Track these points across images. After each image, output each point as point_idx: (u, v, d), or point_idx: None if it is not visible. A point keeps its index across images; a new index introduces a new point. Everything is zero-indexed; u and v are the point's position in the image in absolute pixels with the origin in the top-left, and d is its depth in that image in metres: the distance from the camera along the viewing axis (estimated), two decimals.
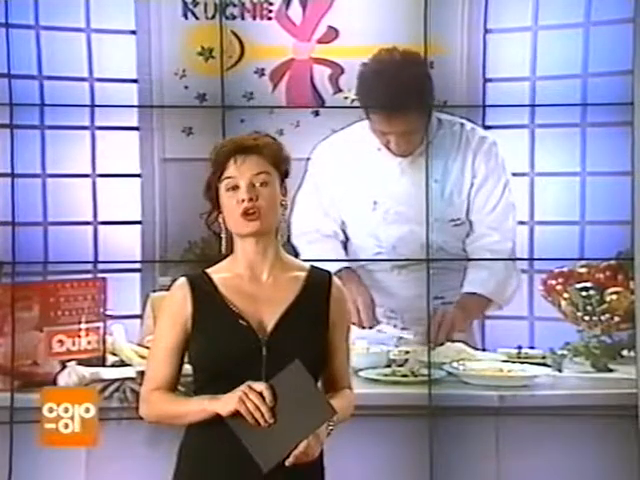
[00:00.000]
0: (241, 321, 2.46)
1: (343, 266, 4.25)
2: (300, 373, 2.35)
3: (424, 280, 4.08)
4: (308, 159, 4.31)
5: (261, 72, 4.38)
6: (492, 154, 4.26)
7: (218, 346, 2.46)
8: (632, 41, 4.01)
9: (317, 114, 4.41)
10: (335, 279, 2.58)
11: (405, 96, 4.18)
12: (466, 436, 3.83)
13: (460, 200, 4.26)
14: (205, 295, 2.50)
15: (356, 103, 4.34)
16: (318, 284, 2.54)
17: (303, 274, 2.55)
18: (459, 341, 4.14)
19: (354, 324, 4.19)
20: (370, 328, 4.23)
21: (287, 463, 2.36)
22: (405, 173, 4.24)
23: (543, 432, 3.80)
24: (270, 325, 2.47)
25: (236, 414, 2.36)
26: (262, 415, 2.34)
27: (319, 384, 2.53)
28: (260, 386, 2.35)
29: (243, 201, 2.46)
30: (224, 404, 2.37)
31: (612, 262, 4.13)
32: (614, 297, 4.07)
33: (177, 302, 2.51)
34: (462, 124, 4.28)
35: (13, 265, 3.99)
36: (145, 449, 3.64)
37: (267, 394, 2.34)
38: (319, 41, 4.39)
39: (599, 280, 4.10)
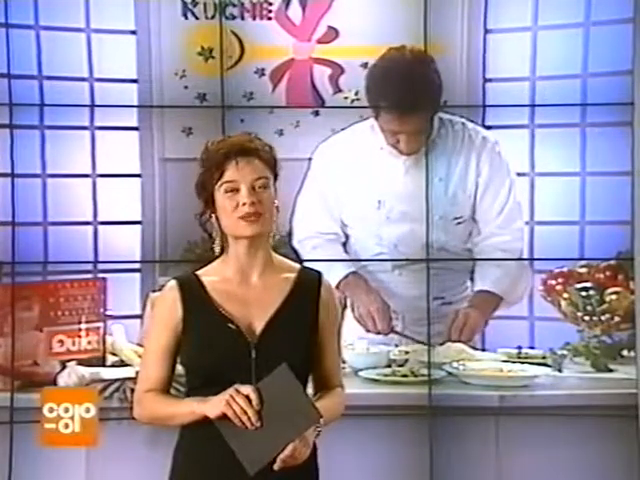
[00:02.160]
0: (230, 325, 2.48)
1: (350, 271, 4.25)
2: (287, 377, 2.37)
3: (425, 280, 4.08)
4: (309, 159, 4.31)
5: (261, 72, 4.38)
6: (496, 153, 4.26)
7: (208, 350, 2.47)
8: (632, 41, 4.00)
9: (317, 114, 4.41)
10: (324, 279, 2.59)
11: (417, 95, 4.17)
12: (466, 436, 3.83)
13: (464, 198, 4.25)
14: (195, 298, 2.51)
15: (356, 103, 4.35)
16: (307, 285, 2.55)
17: (292, 275, 2.56)
18: (463, 341, 4.14)
19: (369, 331, 4.20)
20: (386, 335, 4.22)
21: (275, 467, 2.38)
22: (409, 172, 4.24)
23: (543, 432, 3.80)
24: (259, 328, 2.49)
25: (224, 417, 2.37)
26: (249, 418, 2.36)
27: (310, 383, 2.55)
28: (247, 389, 2.37)
29: (244, 205, 2.47)
30: (212, 407, 2.39)
31: (612, 262, 4.13)
32: (614, 297, 4.06)
33: (168, 305, 2.53)
34: (463, 123, 4.28)
35: (13, 265, 3.98)
36: (145, 449, 3.64)
37: (254, 397, 2.36)
38: (319, 41, 4.40)
39: (599, 280, 4.10)
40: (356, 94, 4.36)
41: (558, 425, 3.80)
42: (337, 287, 4.12)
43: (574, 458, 3.82)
